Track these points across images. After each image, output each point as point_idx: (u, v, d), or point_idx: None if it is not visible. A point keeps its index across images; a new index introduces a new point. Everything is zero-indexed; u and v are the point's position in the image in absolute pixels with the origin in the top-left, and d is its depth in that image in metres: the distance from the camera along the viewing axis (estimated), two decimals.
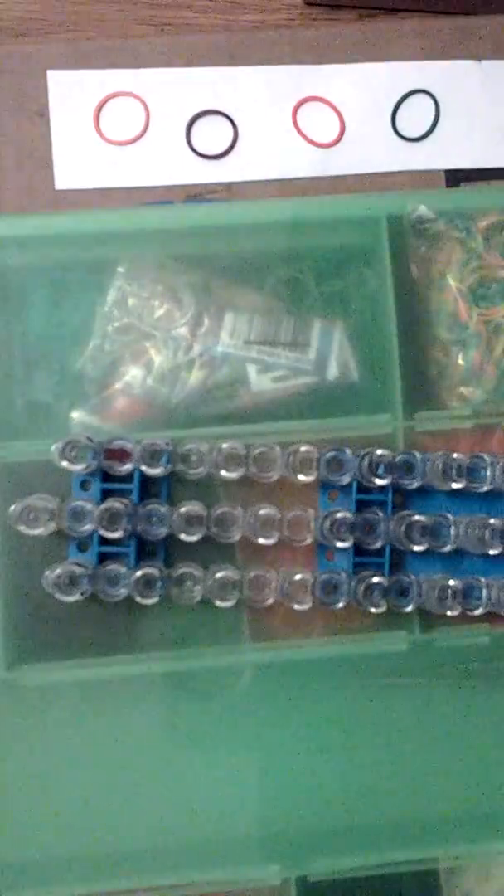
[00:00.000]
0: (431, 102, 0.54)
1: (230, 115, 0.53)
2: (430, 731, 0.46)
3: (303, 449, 0.43)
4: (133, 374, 0.46)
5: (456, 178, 0.54)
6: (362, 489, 0.45)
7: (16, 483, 0.44)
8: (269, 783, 0.45)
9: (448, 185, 0.53)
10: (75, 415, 0.45)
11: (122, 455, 0.43)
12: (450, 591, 0.44)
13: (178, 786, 0.45)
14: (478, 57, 0.54)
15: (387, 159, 0.53)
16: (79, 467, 0.43)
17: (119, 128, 0.53)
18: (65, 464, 0.42)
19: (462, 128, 0.54)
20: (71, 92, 0.52)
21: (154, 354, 0.47)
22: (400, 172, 0.53)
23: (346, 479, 0.44)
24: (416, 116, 0.54)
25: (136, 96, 0.53)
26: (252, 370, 0.47)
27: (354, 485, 0.45)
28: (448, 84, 0.54)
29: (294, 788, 0.46)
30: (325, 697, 0.46)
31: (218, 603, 0.43)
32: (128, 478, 0.44)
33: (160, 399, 0.46)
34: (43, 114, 0.52)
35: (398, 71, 0.54)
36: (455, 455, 0.44)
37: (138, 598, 0.43)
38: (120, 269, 0.47)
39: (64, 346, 0.46)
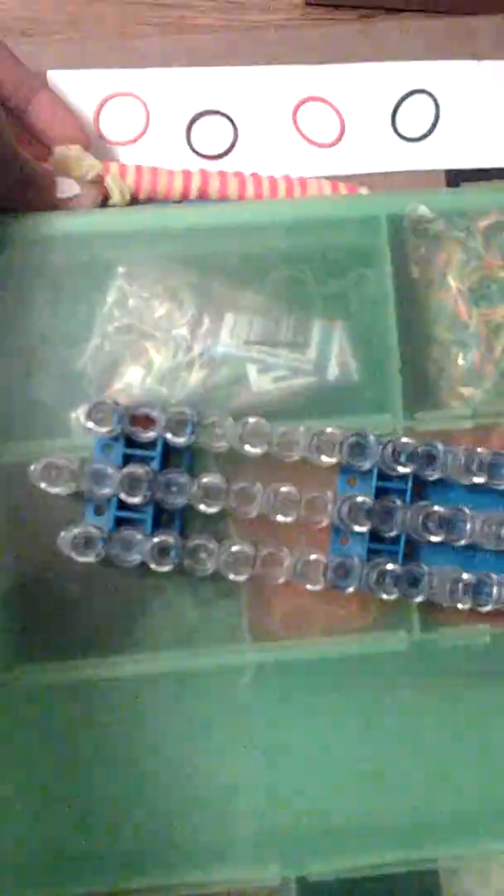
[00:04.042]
0: (431, 102, 0.54)
1: (230, 115, 0.53)
2: (429, 732, 0.46)
3: (327, 431, 0.44)
4: (133, 374, 0.46)
5: (456, 178, 0.54)
6: (382, 476, 0.45)
7: (16, 483, 0.44)
8: (268, 783, 0.45)
9: (448, 185, 0.53)
10: (75, 415, 0.45)
11: (147, 422, 0.44)
12: (461, 584, 0.44)
13: (177, 786, 0.45)
14: (478, 57, 0.54)
15: (387, 159, 0.53)
16: (104, 430, 0.43)
17: (119, 128, 0.53)
18: (91, 425, 0.43)
19: (462, 127, 0.54)
20: (71, 92, 0.52)
21: (154, 354, 0.47)
22: (400, 173, 0.53)
23: (367, 465, 0.44)
24: (416, 116, 0.54)
25: (136, 97, 0.53)
26: (252, 370, 0.47)
27: (375, 471, 0.45)
28: (448, 84, 0.54)
29: (294, 788, 0.46)
30: (325, 697, 0.46)
31: (231, 576, 0.44)
32: (151, 445, 0.44)
33: (160, 399, 0.46)
34: None
35: (398, 71, 0.54)
36: (479, 450, 0.45)
37: (153, 565, 0.43)
38: (120, 269, 0.47)
39: (64, 346, 0.46)
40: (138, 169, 0.49)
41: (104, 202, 0.50)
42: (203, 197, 0.50)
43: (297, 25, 0.55)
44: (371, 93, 0.54)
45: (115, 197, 0.49)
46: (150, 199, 0.50)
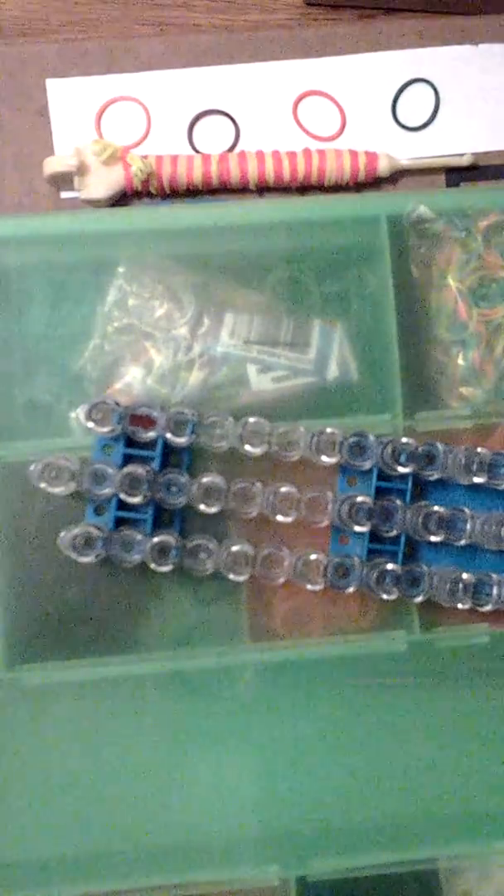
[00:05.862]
0: (431, 91, 0.54)
1: (231, 113, 0.53)
2: (429, 731, 0.46)
3: (328, 431, 0.44)
4: (133, 374, 0.46)
5: (456, 178, 0.54)
6: (382, 476, 0.45)
7: (16, 483, 0.45)
8: (268, 783, 0.45)
9: (448, 185, 0.53)
10: (75, 415, 0.45)
11: (147, 422, 0.44)
12: (461, 584, 0.44)
13: (177, 786, 0.45)
14: (475, 42, 0.54)
15: (389, 150, 0.53)
16: (104, 429, 0.43)
17: (121, 132, 0.53)
18: (91, 425, 0.43)
19: (462, 114, 0.54)
20: (71, 99, 0.52)
21: (154, 354, 0.47)
22: (401, 166, 0.53)
23: (367, 465, 0.45)
24: (416, 106, 0.54)
25: (136, 100, 0.53)
26: (252, 370, 0.47)
27: (375, 471, 0.45)
28: (446, 71, 0.54)
29: (294, 788, 0.46)
30: (325, 697, 0.46)
31: (231, 576, 0.44)
32: (151, 445, 0.44)
33: (160, 399, 0.46)
34: (43, 114, 0.52)
35: (396, 60, 0.54)
36: (479, 450, 0.45)
37: (153, 565, 0.43)
38: (120, 269, 0.47)
39: (64, 346, 0.46)
40: (158, 158, 0.51)
41: (125, 194, 0.50)
42: (224, 179, 0.51)
43: (297, 25, 0.55)
44: (370, 84, 0.54)
45: (138, 164, 0.49)
46: (171, 182, 0.51)
